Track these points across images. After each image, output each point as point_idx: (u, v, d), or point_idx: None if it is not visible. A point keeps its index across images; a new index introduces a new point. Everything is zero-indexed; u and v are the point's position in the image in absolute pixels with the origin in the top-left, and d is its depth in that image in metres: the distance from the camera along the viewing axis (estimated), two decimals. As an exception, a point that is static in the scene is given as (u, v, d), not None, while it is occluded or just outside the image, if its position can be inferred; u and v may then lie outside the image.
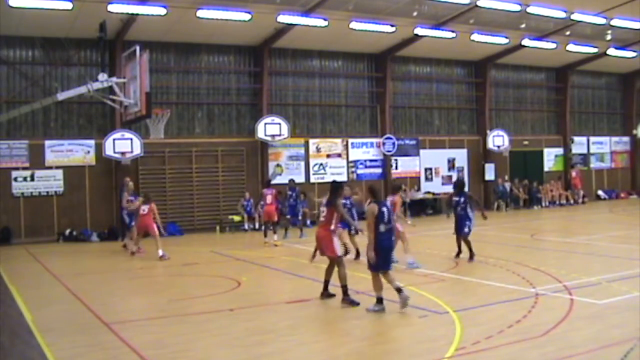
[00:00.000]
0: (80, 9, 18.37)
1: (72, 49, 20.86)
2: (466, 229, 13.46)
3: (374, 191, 9.51)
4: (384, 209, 9.16)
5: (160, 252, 15.46)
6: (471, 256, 13.41)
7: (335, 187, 10.12)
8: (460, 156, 28.74)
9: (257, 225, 22.52)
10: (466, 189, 14.66)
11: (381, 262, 9.08)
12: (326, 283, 10.09)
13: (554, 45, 26.55)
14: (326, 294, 10.04)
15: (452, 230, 13.91)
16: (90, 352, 7.55)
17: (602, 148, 33.37)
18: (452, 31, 23.86)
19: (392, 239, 9.55)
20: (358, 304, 9.44)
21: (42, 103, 16.43)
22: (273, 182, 22.09)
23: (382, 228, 9.07)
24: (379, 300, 9.09)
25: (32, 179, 20.68)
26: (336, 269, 9.85)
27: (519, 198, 28.97)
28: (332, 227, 9.87)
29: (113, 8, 18.39)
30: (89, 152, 21.42)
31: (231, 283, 11.84)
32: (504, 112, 30.32)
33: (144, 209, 15.98)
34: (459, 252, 13.77)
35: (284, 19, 21.26)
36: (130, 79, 15.58)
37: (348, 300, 9.58)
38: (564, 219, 24.46)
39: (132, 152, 21.02)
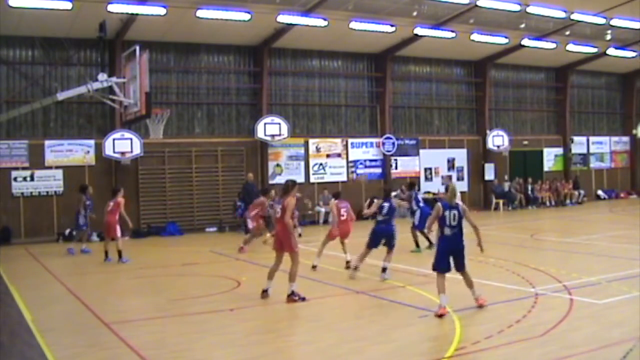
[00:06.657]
0: (80, 9, 18.37)
1: (72, 49, 20.85)
2: None
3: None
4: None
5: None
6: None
7: (289, 186, 10.36)
8: (460, 156, 28.73)
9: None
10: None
11: None
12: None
13: (553, 45, 26.55)
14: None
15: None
16: (90, 352, 7.56)
17: (602, 148, 33.36)
18: (452, 31, 23.86)
19: None
20: (304, 299, 9.86)
21: (42, 103, 16.40)
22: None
23: None
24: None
25: (32, 179, 20.67)
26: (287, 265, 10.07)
27: (518, 198, 28.94)
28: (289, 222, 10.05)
29: (113, 8, 18.39)
30: (88, 152, 21.41)
31: (231, 283, 11.85)
32: (503, 112, 30.31)
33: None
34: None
35: (284, 19, 21.26)
36: (130, 79, 15.56)
37: (295, 298, 9.84)
38: (563, 219, 24.45)
39: (132, 152, 21.02)
